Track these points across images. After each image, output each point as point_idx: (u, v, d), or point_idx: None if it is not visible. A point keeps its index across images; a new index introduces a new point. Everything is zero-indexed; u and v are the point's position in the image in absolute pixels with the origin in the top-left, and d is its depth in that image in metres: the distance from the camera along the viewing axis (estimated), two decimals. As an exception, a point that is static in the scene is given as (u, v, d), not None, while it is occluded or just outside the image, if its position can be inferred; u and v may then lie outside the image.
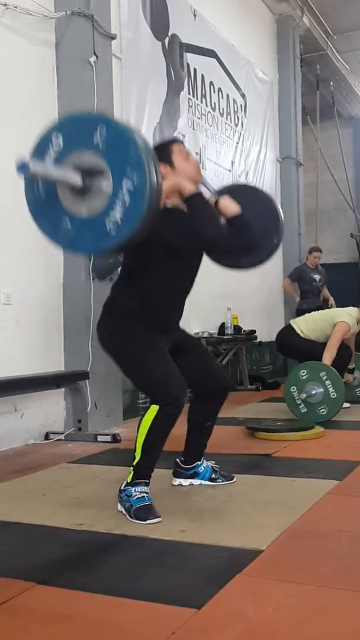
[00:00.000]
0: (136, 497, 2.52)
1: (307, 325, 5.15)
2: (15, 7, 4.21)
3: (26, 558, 2.16)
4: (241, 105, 7.85)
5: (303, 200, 9.27)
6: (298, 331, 5.14)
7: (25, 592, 1.87)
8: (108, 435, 4.23)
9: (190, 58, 6.55)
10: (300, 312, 6.97)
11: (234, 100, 7.67)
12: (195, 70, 6.68)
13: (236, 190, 3.08)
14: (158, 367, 2.58)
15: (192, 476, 2.99)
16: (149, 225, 2.25)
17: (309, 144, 10.38)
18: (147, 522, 2.43)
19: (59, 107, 4.58)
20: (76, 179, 2.24)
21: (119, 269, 2.90)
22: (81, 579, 1.95)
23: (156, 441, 2.57)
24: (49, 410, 4.44)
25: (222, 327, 6.85)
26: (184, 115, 6.42)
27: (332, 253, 10.86)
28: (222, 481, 3.00)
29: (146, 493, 2.55)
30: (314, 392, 4.65)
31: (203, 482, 2.98)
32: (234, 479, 3.04)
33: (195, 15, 6.65)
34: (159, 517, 2.46)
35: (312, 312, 5.39)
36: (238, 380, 7.30)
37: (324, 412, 4.63)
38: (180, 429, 2.88)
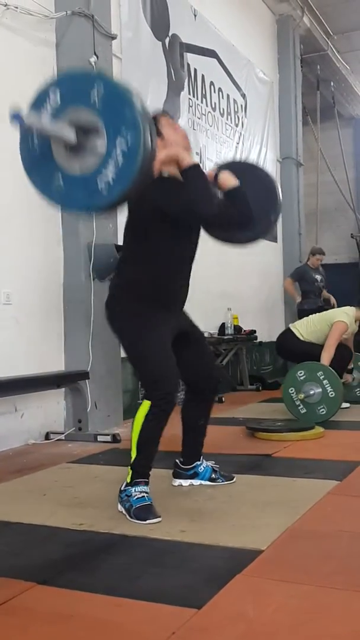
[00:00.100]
0: (136, 497, 2.52)
1: (306, 328, 5.15)
2: (16, 7, 4.21)
3: (26, 558, 2.16)
4: (241, 106, 7.84)
5: (303, 200, 9.27)
6: (297, 334, 5.14)
7: (25, 592, 1.86)
8: (108, 435, 4.23)
9: (190, 58, 6.55)
10: (301, 312, 6.98)
11: (234, 101, 7.67)
12: (195, 70, 6.68)
13: (236, 166, 3.09)
14: (158, 358, 2.59)
15: (192, 476, 2.99)
16: (141, 187, 2.26)
17: (309, 145, 10.38)
18: (147, 522, 2.43)
19: (59, 107, 4.58)
20: (70, 135, 2.23)
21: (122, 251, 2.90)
22: (81, 579, 1.95)
23: (150, 437, 2.57)
24: (49, 410, 4.44)
25: (223, 327, 6.84)
26: (184, 115, 6.42)
27: (333, 253, 10.84)
28: (222, 481, 3.00)
29: (146, 493, 2.54)
30: (312, 392, 4.65)
31: (203, 482, 2.98)
32: (234, 479, 3.04)
33: (195, 15, 6.65)
34: (159, 517, 2.46)
35: (311, 315, 5.38)
36: (238, 381, 7.30)
37: (323, 411, 4.63)
38: (176, 428, 2.88)
